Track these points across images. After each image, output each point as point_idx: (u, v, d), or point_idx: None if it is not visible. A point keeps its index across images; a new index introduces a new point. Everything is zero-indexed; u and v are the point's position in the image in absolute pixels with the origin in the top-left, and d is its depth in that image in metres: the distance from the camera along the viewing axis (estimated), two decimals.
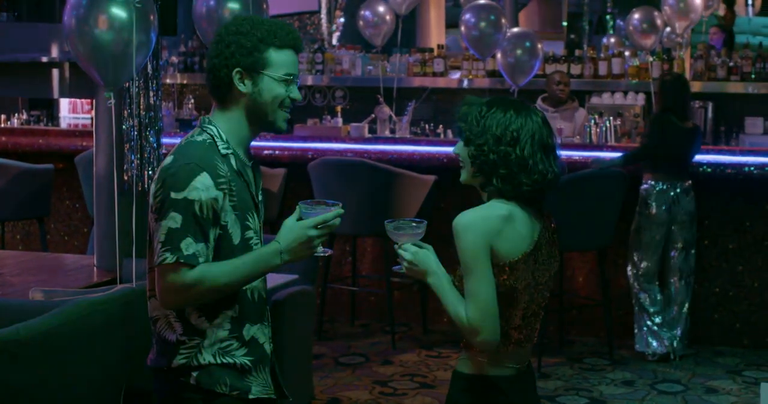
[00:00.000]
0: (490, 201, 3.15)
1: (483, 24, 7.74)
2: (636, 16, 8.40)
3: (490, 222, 3.05)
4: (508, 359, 3.14)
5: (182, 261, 2.89)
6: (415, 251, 3.12)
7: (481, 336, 3.03)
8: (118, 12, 4.19)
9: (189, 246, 2.89)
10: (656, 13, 8.36)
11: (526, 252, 3.09)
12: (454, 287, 3.10)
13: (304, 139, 8.24)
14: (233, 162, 3.02)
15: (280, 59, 3.04)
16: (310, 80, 9.59)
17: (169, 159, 2.99)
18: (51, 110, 9.69)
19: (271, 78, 3.02)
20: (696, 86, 8.48)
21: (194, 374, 3.01)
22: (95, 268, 5.43)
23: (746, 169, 7.24)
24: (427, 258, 3.12)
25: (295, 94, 3.07)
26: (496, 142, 3.07)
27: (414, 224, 3.17)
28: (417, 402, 6.31)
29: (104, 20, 4.16)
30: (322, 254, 3.03)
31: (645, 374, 6.90)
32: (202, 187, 2.90)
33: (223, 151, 3.01)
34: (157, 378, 3.10)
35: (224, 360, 3.02)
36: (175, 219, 2.90)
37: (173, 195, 2.90)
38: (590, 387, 6.62)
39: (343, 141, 8.16)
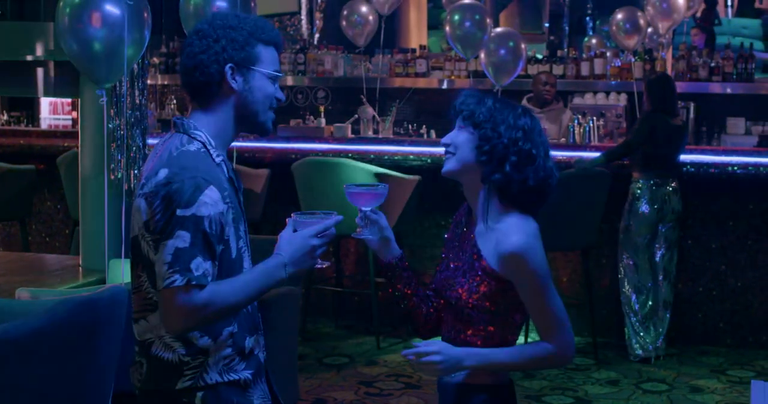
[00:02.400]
0: (509, 214, 3.01)
1: (467, 23, 7.73)
2: (619, 16, 8.42)
3: (539, 239, 2.97)
4: None
5: (194, 282, 2.70)
6: (437, 349, 2.92)
7: (571, 352, 2.97)
8: (111, 9, 4.17)
9: (199, 266, 2.71)
10: (639, 14, 8.38)
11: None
12: (492, 348, 2.99)
13: (287, 140, 8.22)
14: (225, 169, 2.89)
15: (268, 56, 2.93)
16: (291, 81, 9.57)
17: (163, 172, 2.77)
18: (31, 111, 9.65)
19: (262, 74, 2.90)
20: (678, 86, 8.47)
21: (199, 395, 2.86)
22: (80, 268, 5.40)
23: (730, 168, 7.26)
24: (448, 348, 2.94)
25: (280, 93, 2.97)
26: (508, 129, 2.98)
27: (373, 186, 3.10)
28: (403, 402, 6.29)
29: (97, 18, 4.14)
30: (320, 266, 2.92)
31: (630, 373, 6.91)
32: (211, 202, 2.73)
33: (218, 160, 2.87)
34: (150, 399, 2.93)
35: (230, 378, 2.88)
36: (183, 238, 2.70)
37: (180, 212, 2.71)
38: (575, 387, 6.62)
39: (326, 141, 8.14)
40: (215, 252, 2.76)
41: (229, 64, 2.87)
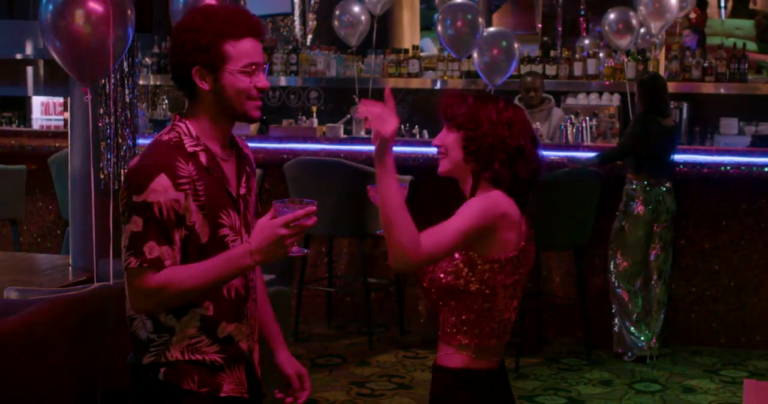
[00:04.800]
0: (481, 192, 3.09)
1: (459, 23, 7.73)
2: (612, 16, 8.41)
3: (493, 211, 3.00)
4: (492, 353, 3.14)
5: (146, 265, 2.84)
6: (384, 113, 2.91)
7: (413, 263, 2.91)
8: (95, 7, 4.15)
9: (152, 249, 2.84)
10: (632, 14, 8.38)
11: (518, 249, 3.07)
12: (391, 186, 2.92)
13: (280, 140, 8.19)
14: (203, 159, 2.94)
15: (239, 50, 2.93)
16: (284, 81, 9.55)
17: (135, 160, 2.94)
18: (23, 111, 9.61)
19: (232, 72, 2.92)
20: (671, 87, 8.48)
21: (162, 370, 2.96)
22: (70, 268, 5.37)
23: (723, 168, 7.25)
24: (392, 117, 2.92)
25: (262, 82, 2.97)
26: (492, 126, 3.03)
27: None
28: (395, 402, 6.27)
29: (81, 15, 4.12)
30: (297, 254, 2.93)
31: (623, 373, 6.90)
32: (160, 189, 2.84)
33: (191, 150, 2.93)
34: (132, 374, 3.06)
35: (192, 357, 2.96)
36: (136, 223, 2.85)
37: (134, 198, 2.85)
38: (568, 387, 6.61)
39: (318, 141, 8.12)
40: (171, 236, 2.88)
41: (196, 67, 2.92)
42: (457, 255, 3.05)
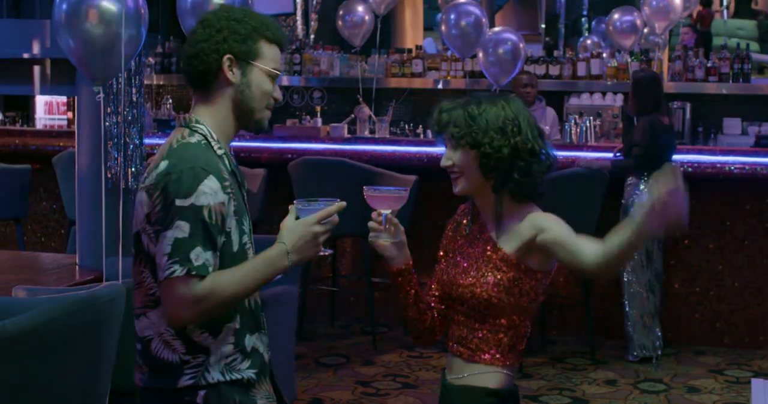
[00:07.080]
0: (525, 210, 3.04)
1: (464, 23, 7.72)
2: (616, 16, 8.41)
3: None
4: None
5: (193, 272, 2.69)
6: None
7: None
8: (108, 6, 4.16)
9: (198, 256, 2.69)
10: (636, 14, 8.38)
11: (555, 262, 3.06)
12: None
13: (284, 140, 8.20)
14: (227, 162, 2.86)
15: (269, 53, 2.90)
16: (287, 81, 9.54)
17: (164, 164, 2.77)
18: (26, 111, 9.62)
19: (261, 70, 2.87)
20: (674, 87, 8.51)
21: (201, 393, 2.82)
22: (77, 267, 5.37)
23: (726, 168, 7.26)
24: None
25: (278, 93, 2.93)
26: (503, 136, 2.95)
27: (395, 189, 3.03)
28: (400, 402, 6.28)
29: (94, 14, 4.13)
30: (323, 253, 2.86)
31: (627, 373, 6.90)
32: (210, 191, 2.72)
33: (219, 152, 2.85)
34: (152, 398, 2.90)
35: (232, 377, 2.84)
36: (182, 229, 2.69)
37: (179, 202, 2.70)
38: (573, 387, 6.61)
39: (322, 141, 8.13)
40: (216, 242, 2.74)
41: (228, 55, 2.84)
42: (511, 272, 3.00)
